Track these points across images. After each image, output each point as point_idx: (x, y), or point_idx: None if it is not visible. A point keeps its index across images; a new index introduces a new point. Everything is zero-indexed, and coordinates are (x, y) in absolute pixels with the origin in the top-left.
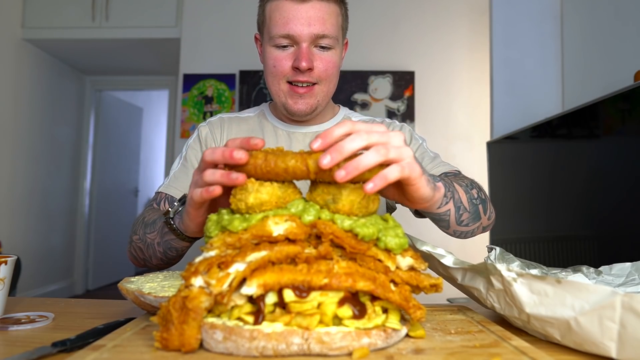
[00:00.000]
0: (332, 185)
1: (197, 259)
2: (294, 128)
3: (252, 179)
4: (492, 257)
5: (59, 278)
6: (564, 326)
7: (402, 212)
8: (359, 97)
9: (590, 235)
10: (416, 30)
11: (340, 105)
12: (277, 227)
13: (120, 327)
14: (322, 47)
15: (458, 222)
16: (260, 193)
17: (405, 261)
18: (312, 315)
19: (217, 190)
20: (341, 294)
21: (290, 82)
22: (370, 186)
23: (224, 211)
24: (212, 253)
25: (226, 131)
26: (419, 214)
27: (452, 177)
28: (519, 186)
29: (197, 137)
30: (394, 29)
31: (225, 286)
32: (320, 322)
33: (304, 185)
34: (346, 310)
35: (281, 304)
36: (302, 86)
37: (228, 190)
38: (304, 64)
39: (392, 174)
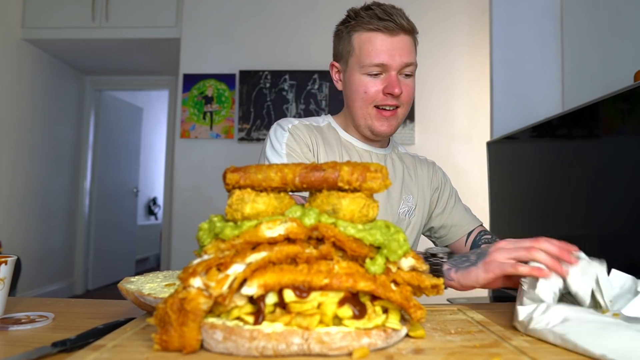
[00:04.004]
0: (331, 196)
1: (195, 262)
2: (364, 146)
3: (249, 189)
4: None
5: (58, 278)
6: None
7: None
8: None
9: (590, 235)
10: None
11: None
12: (271, 232)
13: (120, 327)
14: (407, 75)
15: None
16: (257, 203)
17: (407, 262)
18: (312, 316)
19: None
20: (341, 294)
21: (376, 106)
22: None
23: (215, 219)
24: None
25: (309, 137)
26: None
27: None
28: (519, 186)
29: (291, 136)
30: None
31: (225, 288)
32: (320, 322)
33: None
34: (346, 311)
35: (281, 304)
36: (388, 109)
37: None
38: (397, 90)
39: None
